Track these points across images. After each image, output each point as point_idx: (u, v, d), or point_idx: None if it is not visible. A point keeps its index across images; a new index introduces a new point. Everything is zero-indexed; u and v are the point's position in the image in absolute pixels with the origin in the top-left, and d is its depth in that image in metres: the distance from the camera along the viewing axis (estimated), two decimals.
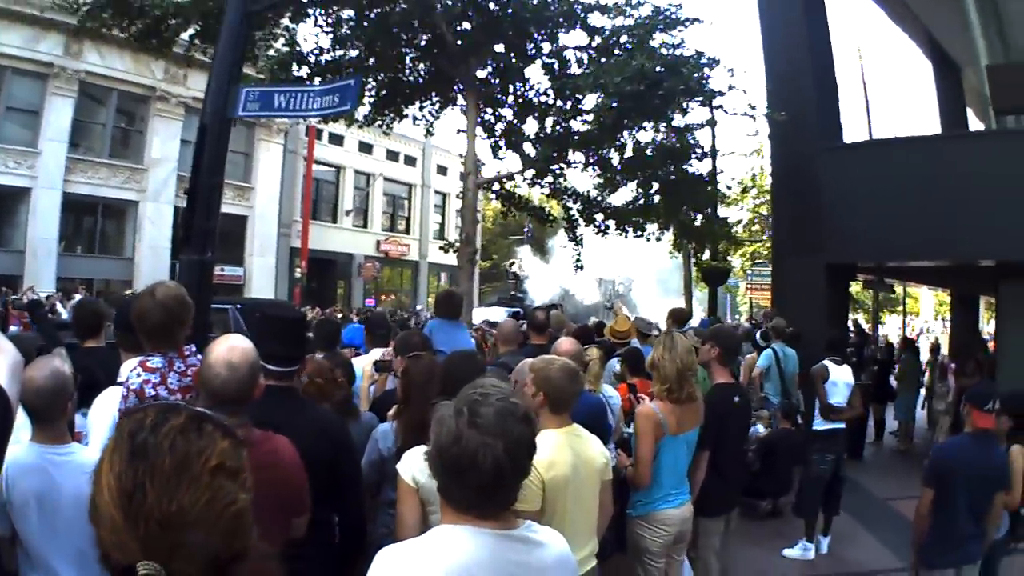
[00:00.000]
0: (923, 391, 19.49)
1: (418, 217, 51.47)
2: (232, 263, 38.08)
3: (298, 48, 17.79)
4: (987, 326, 38.20)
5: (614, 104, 15.61)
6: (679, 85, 15.66)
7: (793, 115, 16.94)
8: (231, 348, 3.71)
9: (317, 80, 16.86)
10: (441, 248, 26.23)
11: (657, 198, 19.41)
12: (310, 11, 17.30)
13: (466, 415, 2.53)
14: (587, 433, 4.94)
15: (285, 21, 17.33)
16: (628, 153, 18.68)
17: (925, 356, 21.42)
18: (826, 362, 10.45)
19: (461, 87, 18.46)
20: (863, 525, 11.74)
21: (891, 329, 50.13)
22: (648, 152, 18.56)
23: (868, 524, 11.75)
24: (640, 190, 19.59)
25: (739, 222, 38.95)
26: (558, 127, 18.28)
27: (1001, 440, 6.77)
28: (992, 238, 14.64)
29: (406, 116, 20.07)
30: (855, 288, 38.36)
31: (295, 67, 17.59)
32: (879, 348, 22.15)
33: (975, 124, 25.77)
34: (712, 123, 19.82)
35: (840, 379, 10.32)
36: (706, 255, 26.06)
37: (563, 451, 4.60)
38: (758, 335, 15.03)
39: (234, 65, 8.54)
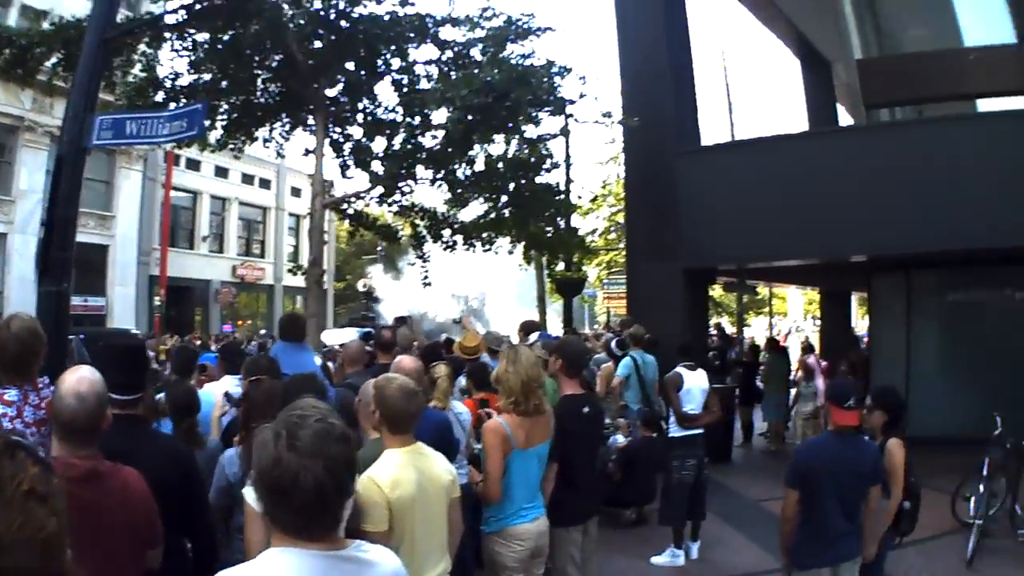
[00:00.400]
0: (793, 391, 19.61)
1: (273, 240, 51.42)
2: (94, 293, 37.66)
3: (155, 74, 17.52)
4: (862, 322, 39.03)
5: (462, 118, 15.52)
6: (527, 95, 15.51)
7: (649, 119, 16.95)
8: (79, 379, 3.77)
9: (172, 105, 16.56)
10: (290, 271, 26.02)
11: (507, 212, 19.29)
12: (167, 35, 17.02)
13: (284, 438, 2.47)
14: (431, 451, 4.95)
15: (143, 47, 17.07)
16: (479, 167, 18.61)
17: (798, 355, 21.50)
18: (679, 369, 10.34)
19: (311, 107, 18.29)
20: (735, 528, 11.74)
21: (758, 331, 50.89)
22: (498, 165, 18.50)
23: (740, 526, 11.74)
24: (489, 204, 19.50)
25: (594, 231, 39.29)
26: (406, 144, 18.13)
27: (876, 435, 6.83)
28: (863, 233, 14.85)
29: (257, 139, 19.83)
30: (717, 291, 38.88)
31: (152, 93, 17.29)
32: (743, 351, 22.28)
33: (846, 120, 26.10)
34: (565, 132, 19.82)
35: (695, 385, 10.21)
36: (560, 266, 26.03)
37: (407, 470, 4.62)
38: (614, 344, 14.91)
39: (90, 93, 8.52)
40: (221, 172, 46.12)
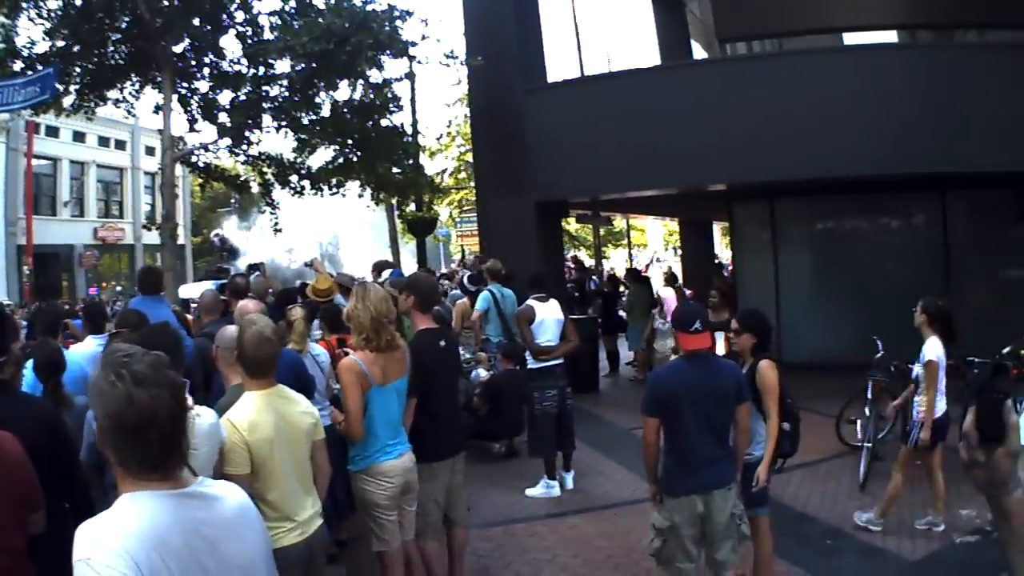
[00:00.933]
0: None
1: (131, 200, 50.79)
2: None
3: (13, 44, 17.11)
4: (726, 252, 39.71)
5: (302, 67, 15.90)
6: (367, 39, 15.61)
7: (493, 58, 16.98)
8: None
9: (29, 73, 16.47)
10: (144, 227, 25.69)
11: (354, 156, 19.30)
12: (24, 4, 16.72)
13: (127, 376, 2.46)
14: (293, 394, 5.04)
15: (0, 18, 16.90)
16: (325, 113, 18.61)
17: (661, 285, 21.71)
18: (530, 301, 10.35)
19: (158, 65, 18.02)
20: (609, 457, 11.85)
21: (617, 263, 51.40)
22: (344, 111, 18.52)
23: (614, 455, 11.83)
24: (336, 150, 19.55)
25: (444, 171, 39.28)
26: (252, 94, 18.06)
27: (746, 358, 6.86)
28: (721, 162, 15.02)
29: (108, 100, 19.49)
30: (574, 226, 39.12)
31: (10, 63, 16.84)
32: (603, 282, 22.52)
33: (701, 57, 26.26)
34: (411, 76, 19.74)
35: (548, 316, 10.21)
36: (411, 207, 26.00)
37: (265, 413, 4.70)
38: (466, 279, 14.98)
39: None
40: (79, 137, 45.41)
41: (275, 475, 4.66)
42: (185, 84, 19.03)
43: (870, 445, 9.97)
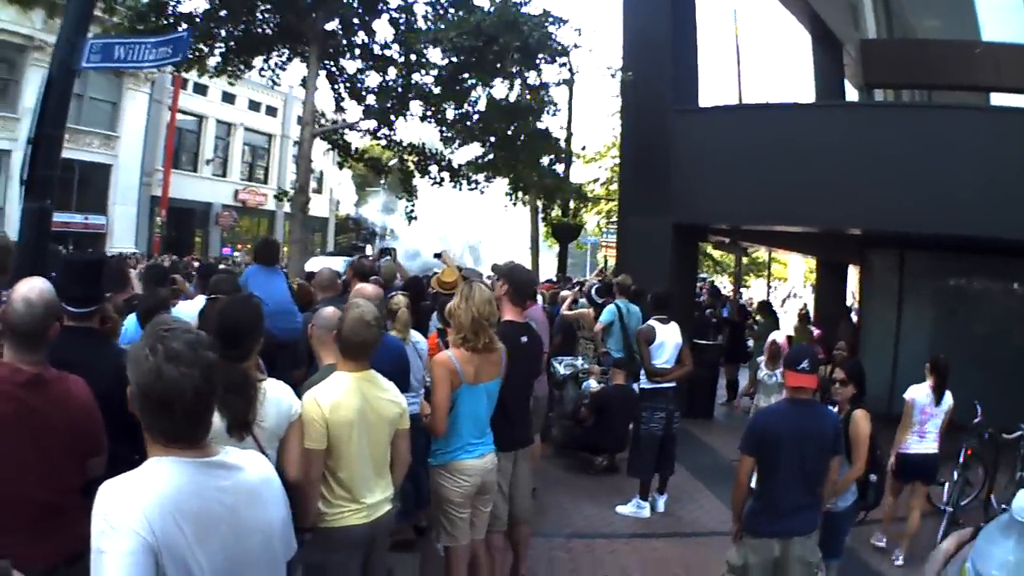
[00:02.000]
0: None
1: (276, 167, 51.53)
2: (95, 211, 37.99)
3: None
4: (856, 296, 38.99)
5: (452, 59, 16.21)
6: (515, 41, 15.75)
7: (647, 75, 17.00)
8: (30, 288, 3.98)
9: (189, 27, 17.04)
10: (276, 196, 26.19)
11: (495, 154, 19.54)
12: None
13: (161, 351, 2.65)
14: (384, 381, 5.13)
15: None
16: (482, 106, 18.79)
17: (794, 322, 21.28)
18: (652, 322, 10.38)
19: (306, 39, 18.40)
20: (706, 485, 11.72)
21: (757, 293, 50.79)
22: (496, 108, 18.64)
23: (711, 484, 11.69)
24: (482, 146, 19.66)
25: (596, 180, 39.09)
26: (399, 80, 18.34)
27: (843, 408, 6.89)
28: (858, 206, 14.76)
29: (254, 67, 20.15)
30: (718, 251, 38.63)
31: (154, 19, 17.35)
32: (734, 310, 22.29)
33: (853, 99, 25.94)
34: (570, 82, 19.80)
35: (667, 339, 10.20)
36: (557, 211, 25.99)
37: (351, 395, 4.85)
38: (593, 291, 14.97)
39: (81, 17, 8.47)
40: (228, 98, 45.94)
41: (349, 456, 4.83)
42: (333, 62, 19.33)
43: (951, 510, 9.79)
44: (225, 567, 2.71)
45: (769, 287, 52.04)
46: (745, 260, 37.04)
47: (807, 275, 62.80)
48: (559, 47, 16.72)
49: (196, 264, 19.54)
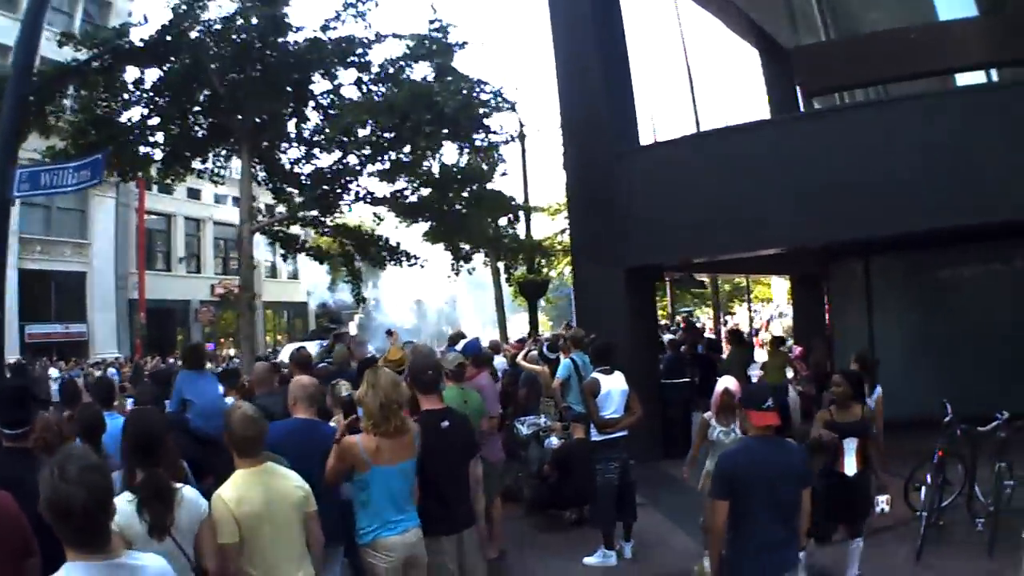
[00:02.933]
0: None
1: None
2: (75, 320, 38.54)
3: (92, 114, 17.93)
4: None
5: (375, 138, 16.79)
6: (425, 115, 16.10)
7: (584, 122, 17.10)
8: None
9: (110, 146, 17.20)
10: (217, 296, 26.56)
11: (439, 227, 20.01)
12: (97, 78, 17.62)
13: (56, 472, 3.23)
14: (283, 469, 5.49)
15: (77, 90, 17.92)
16: (435, 172, 19.35)
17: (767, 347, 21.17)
18: (595, 374, 10.41)
19: (235, 138, 18.90)
20: (680, 526, 11.60)
21: (742, 319, 50.63)
22: (442, 176, 19.11)
23: (686, 525, 11.42)
24: (425, 220, 20.13)
25: (563, 230, 39.15)
26: (333, 165, 18.86)
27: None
28: (816, 220, 14.67)
29: (193, 170, 20.61)
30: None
31: (92, 133, 17.70)
32: (703, 343, 22.29)
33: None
34: (521, 136, 20.05)
35: (613, 388, 10.24)
36: (521, 270, 26.18)
37: (253, 488, 5.18)
38: (545, 347, 15.10)
39: (8, 149, 9.21)
40: (194, 194, 46.46)
41: (262, 547, 5.12)
42: (264, 156, 19.81)
43: (926, 514, 9.66)
44: None
45: (751, 311, 52.06)
46: (727, 287, 37.10)
47: (790, 292, 62.56)
48: (484, 111, 16.89)
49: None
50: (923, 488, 10.17)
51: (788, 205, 14.75)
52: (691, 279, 24.68)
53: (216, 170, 20.44)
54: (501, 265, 28.70)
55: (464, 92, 16.89)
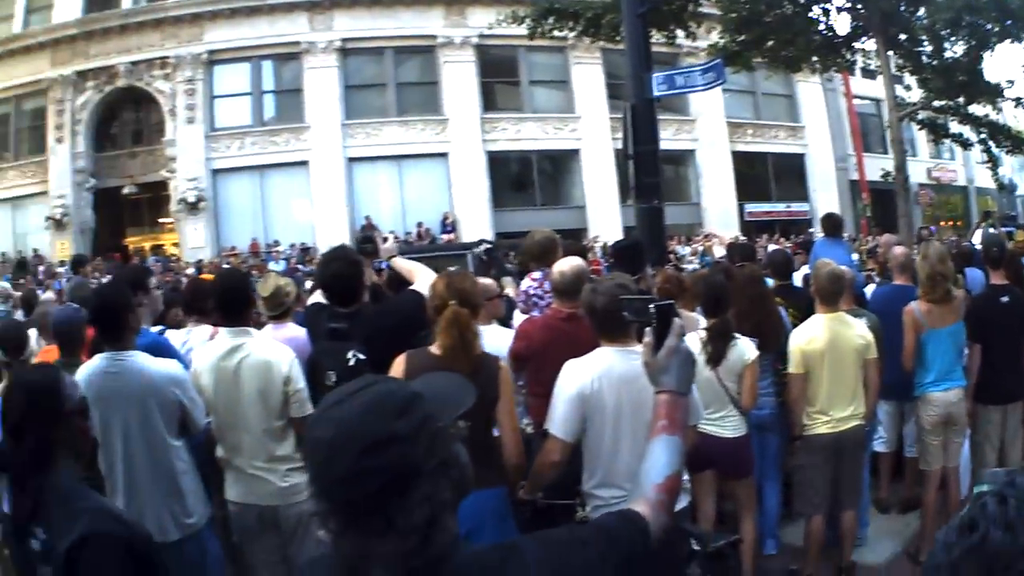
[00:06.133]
0: None
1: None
2: (796, 200, 39.79)
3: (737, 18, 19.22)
4: None
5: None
6: None
7: None
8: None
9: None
10: (881, 177, 26.40)
11: None
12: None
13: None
14: (853, 320, 6.48)
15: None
16: None
17: None
18: None
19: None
20: None
21: None
22: None
23: None
24: None
25: None
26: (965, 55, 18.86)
27: None
28: None
29: (845, 60, 22.10)
30: None
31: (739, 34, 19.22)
32: None
33: None
34: None
35: None
36: None
37: (823, 331, 6.24)
38: None
39: (640, 57, 10.77)
40: (897, 79, 45.18)
41: (820, 378, 6.18)
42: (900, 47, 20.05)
43: None
44: None
45: None
46: None
47: None
48: None
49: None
50: None
51: None
52: None
53: (864, 62, 20.99)
54: None
55: None
